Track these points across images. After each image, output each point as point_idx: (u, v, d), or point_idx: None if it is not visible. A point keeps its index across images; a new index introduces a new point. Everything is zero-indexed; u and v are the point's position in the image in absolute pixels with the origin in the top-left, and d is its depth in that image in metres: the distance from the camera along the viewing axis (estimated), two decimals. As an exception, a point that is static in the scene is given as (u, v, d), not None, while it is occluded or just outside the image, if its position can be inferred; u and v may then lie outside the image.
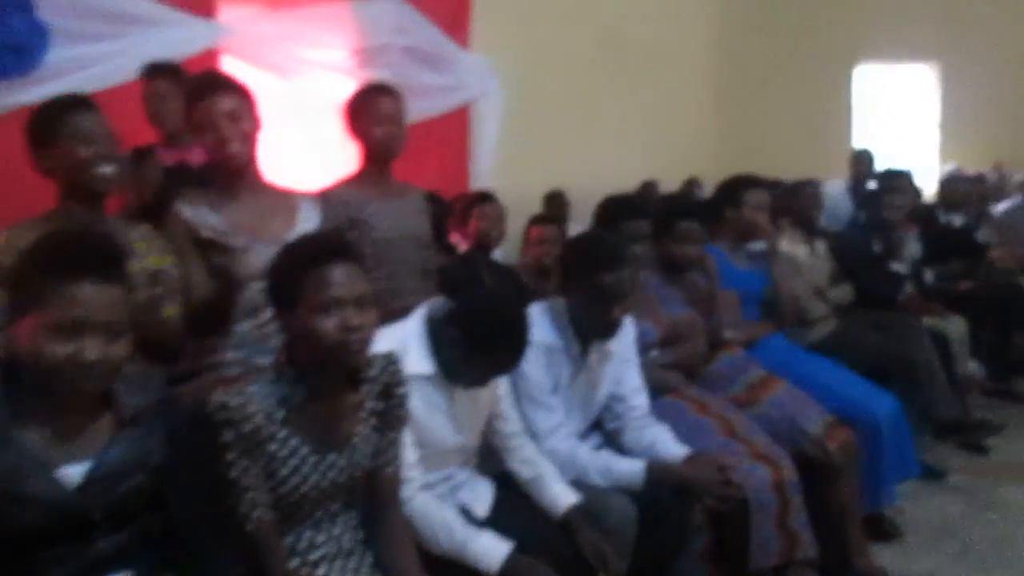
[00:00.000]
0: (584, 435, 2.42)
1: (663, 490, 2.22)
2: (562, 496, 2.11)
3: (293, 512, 1.68)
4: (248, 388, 1.63)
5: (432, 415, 1.99)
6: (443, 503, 1.99)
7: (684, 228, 2.97)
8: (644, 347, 2.65)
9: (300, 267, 1.64)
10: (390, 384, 1.78)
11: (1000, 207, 6.61)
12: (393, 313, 2.12)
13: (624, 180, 4.86)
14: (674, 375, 2.75)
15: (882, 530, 3.23)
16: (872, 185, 5.22)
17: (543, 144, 5.46)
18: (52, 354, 1.38)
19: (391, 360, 1.79)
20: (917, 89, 8.22)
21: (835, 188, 5.29)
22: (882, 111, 7.83)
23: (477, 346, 1.91)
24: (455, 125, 5.10)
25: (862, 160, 5.26)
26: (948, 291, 4.87)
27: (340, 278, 1.62)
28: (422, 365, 1.95)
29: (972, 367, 4.68)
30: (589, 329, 2.32)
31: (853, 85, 7.57)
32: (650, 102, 6.27)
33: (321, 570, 1.70)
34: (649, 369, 2.61)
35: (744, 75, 7.05)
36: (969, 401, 4.41)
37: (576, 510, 2.09)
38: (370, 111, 2.68)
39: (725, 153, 3.62)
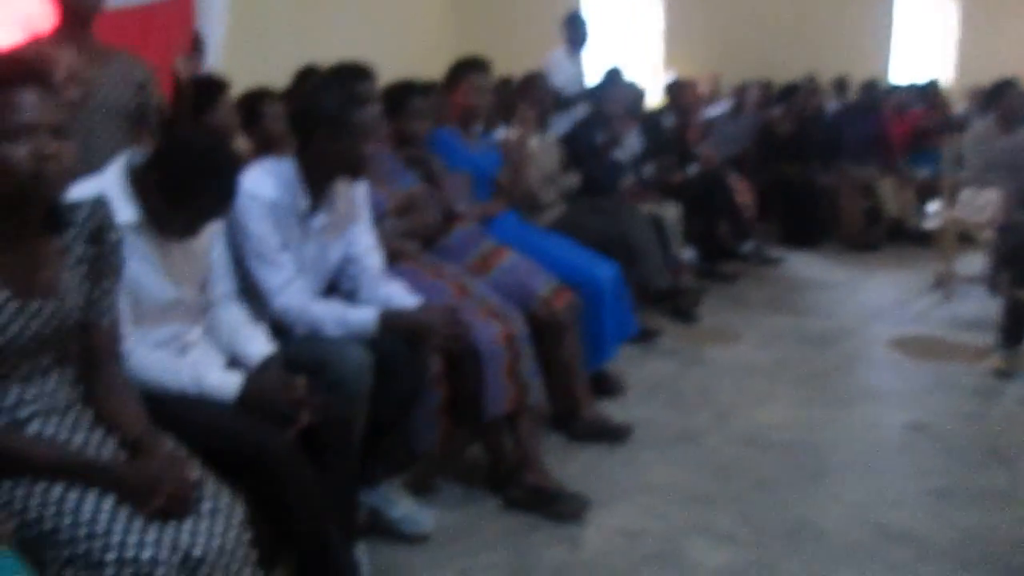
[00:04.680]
0: (321, 297, 2.42)
1: (397, 339, 2.28)
2: (259, 348, 2.08)
3: None
4: None
5: (141, 267, 1.90)
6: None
7: (415, 105, 3.03)
8: (379, 216, 2.68)
9: None
10: (100, 228, 1.66)
11: (709, 111, 7.30)
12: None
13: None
14: (409, 244, 2.81)
15: (605, 386, 3.55)
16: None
17: (275, 33, 5.25)
18: None
19: (101, 204, 1.68)
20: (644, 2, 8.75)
21: (558, 55, 5.62)
22: (608, 18, 8.26)
23: (181, 188, 1.83)
24: (180, 8, 4.75)
25: (574, 22, 5.68)
26: (663, 182, 5.33)
27: (31, 102, 1.49)
28: (125, 213, 1.85)
29: (685, 253, 5.22)
30: (329, 172, 2.30)
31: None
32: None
33: (33, 427, 1.59)
34: (384, 237, 2.65)
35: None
36: (682, 280, 4.90)
37: (271, 358, 2.06)
38: None
39: (463, 51, 3.68)
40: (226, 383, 1.91)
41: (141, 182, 1.88)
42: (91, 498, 1.50)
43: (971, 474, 2.92)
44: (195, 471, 1.61)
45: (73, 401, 1.67)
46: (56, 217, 1.62)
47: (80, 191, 1.75)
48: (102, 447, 1.61)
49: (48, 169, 1.50)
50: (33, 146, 1.48)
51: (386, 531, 2.49)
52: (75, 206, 1.65)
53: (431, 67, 3.67)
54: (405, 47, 5.76)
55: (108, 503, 1.50)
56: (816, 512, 2.66)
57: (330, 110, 2.27)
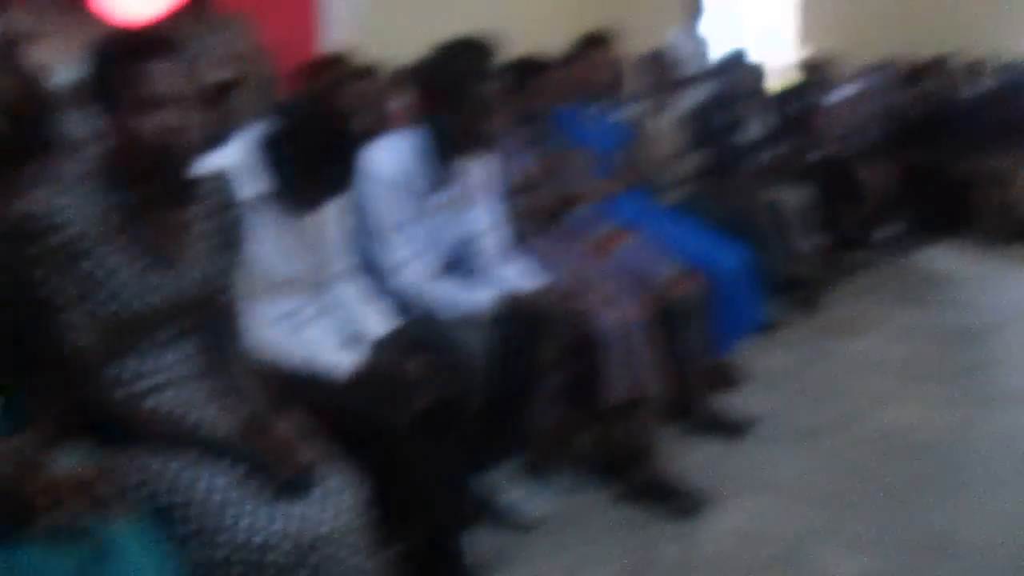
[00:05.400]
0: (441, 274, 2.37)
1: (516, 321, 2.21)
2: (378, 325, 2.06)
3: (117, 338, 1.55)
4: (58, 198, 1.47)
5: (265, 240, 1.88)
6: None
7: (540, 82, 2.95)
8: (501, 194, 2.61)
9: (118, 62, 1.48)
10: (223, 203, 1.65)
11: (839, 92, 6.93)
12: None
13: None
14: (528, 223, 2.74)
15: (726, 376, 3.40)
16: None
17: (408, 8, 5.22)
18: None
19: (222, 179, 1.66)
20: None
21: (677, 33, 5.48)
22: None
23: (311, 161, 1.81)
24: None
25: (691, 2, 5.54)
26: (788, 166, 5.08)
27: (162, 74, 1.47)
28: (255, 185, 1.83)
29: (811, 240, 4.97)
30: (456, 146, 2.24)
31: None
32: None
33: (151, 401, 1.58)
34: (506, 215, 2.58)
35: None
36: (806, 268, 4.67)
37: (389, 336, 2.03)
38: None
39: (586, 23, 3.57)
40: (340, 362, 1.88)
41: (274, 153, 1.86)
42: (205, 476, 1.48)
43: None
44: (311, 451, 1.57)
45: (192, 375, 1.66)
46: (183, 190, 1.60)
47: (210, 161, 1.73)
48: (219, 423, 1.59)
49: (177, 141, 1.48)
50: (163, 118, 1.46)
51: (496, 516, 2.43)
52: (199, 180, 1.64)
53: (553, 40, 3.56)
54: (526, 21, 5.66)
55: (222, 482, 1.48)
56: (957, 524, 2.46)
57: (452, 82, 2.22)
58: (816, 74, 5.85)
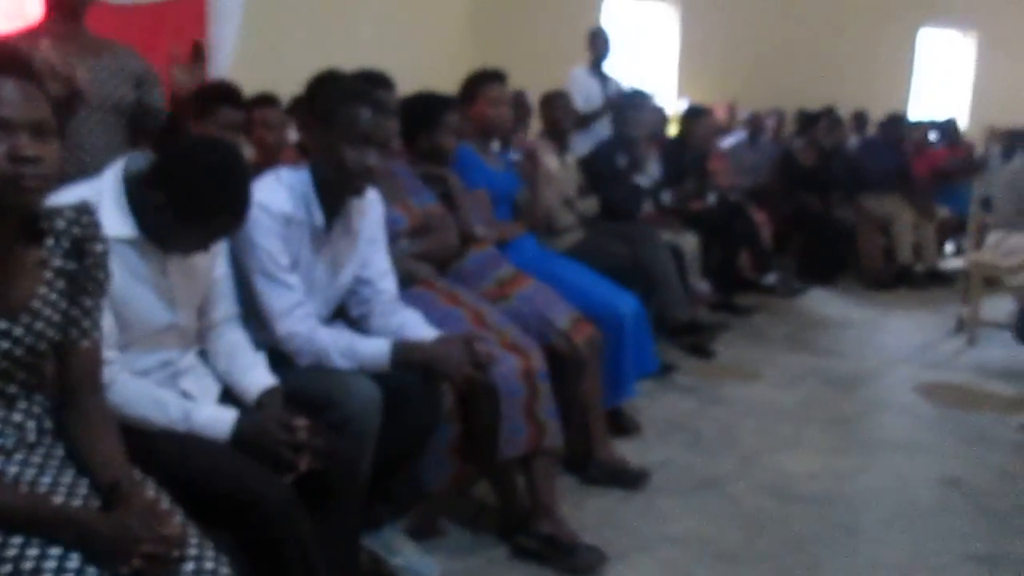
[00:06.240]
0: (328, 322, 2.22)
1: (410, 373, 2.08)
2: (258, 380, 1.89)
3: None
4: None
5: (135, 287, 1.70)
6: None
7: (447, 119, 2.86)
8: (393, 236, 2.48)
9: None
10: (83, 239, 1.47)
11: (726, 141, 7.12)
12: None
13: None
14: (424, 266, 2.61)
15: (621, 424, 3.34)
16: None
17: (289, 39, 5.08)
18: None
19: (85, 211, 1.48)
20: (660, 25, 8.57)
21: (579, 72, 5.50)
22: (626, 43, 8.10)
23: (193, 204, 1.64)
24: (191, 9, 4.58)
25: (597, 38, 5.56)
26: (682, 209, 5.14)
27: (12, 96, 1.30)
28: (121, 227, 1.66)
29: (701, 285, 5.02)
30: (338, 185, 2.08)
31: (601, 15, 7.72)
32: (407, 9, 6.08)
33: None
34: (399, 259, 2.45)
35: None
36: (698, 312, 4.71)
37: (270, 393, 1.87)
38: None
39: (481, 64, 3.51)
40: (219, 420, 1.71)
41: (142, 193, 1.68)
42: (54, 554, 1.29)
43: (1013, 539, 2.71)
44: (177, 524, 1.40)
45: (42, 436, 1.47)
46: (34, 225, 1.42)
47: (70, 197, 1.56)
48: (73, 491, 1.40)
49: (28, 172, 1.30)
50: (10, 145, 1.29)
51: (386, 579, 2.28)
52: (56, 212, 1.46)
53: (447, 81, 3.48)
54: (421, 58, 5.58)
55: (74, 562, 1.29)
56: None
57: (326, 107, 2.08)
58: (699, 122, 5.96)
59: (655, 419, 3.53)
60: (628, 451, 3.14)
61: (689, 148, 5.44)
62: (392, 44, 5.52)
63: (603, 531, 2.61)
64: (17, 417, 1.44)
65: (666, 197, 5.14)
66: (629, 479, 2.93)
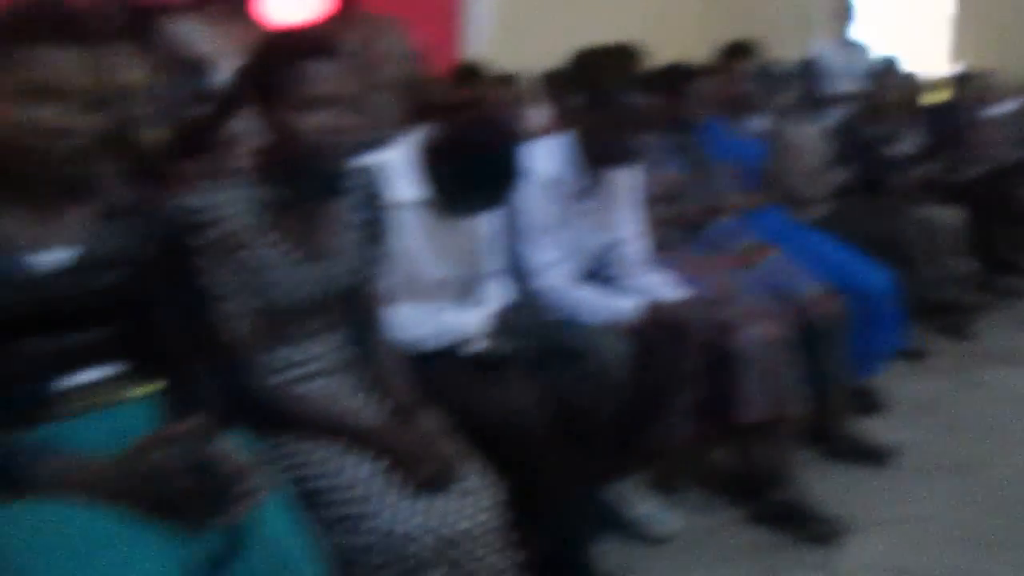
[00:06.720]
0: (582, 280, 2.36)
1: (657, 332, 2.18)
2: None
3: (271, 327, 1.60)
4: (218, 192, 1.54)
5: (418, 244, 1.91)
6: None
7: (696, 89, 2.91)
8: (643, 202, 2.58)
9: (283, 61, 1.53)
10: (370, 196, 1.69)
11: (996, 108, 6.53)
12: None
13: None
14: (671, 232, 2.69)
15: (867, 402, 3.25)
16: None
17: (540, 18, 5.26)
18: (15, 119, 1.23)
19: (368, 172, 1.70)
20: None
21: (825, 42, 5.27)
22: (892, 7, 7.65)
23: (477, 170, 1.83)
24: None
25: (841, 5, 5.29)
26: (943, 183, 4.82)
27: (325, 74, 1.51)
28: (412, 190, 1.87)
29: (964, 262, 4.69)
30: (602, 155, 2.23)
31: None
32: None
33: (301, 389, 1.63)
34: (649, 224, 2.54)
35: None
36: (957, 293, 4.41)
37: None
38: None
39: (717, 30, 3.49)
40: (472, 317, 1.94)
41: (433, 161, 1.89)
42: (351, 463, 1.51)
43: None
44: (452, 448, 1.58)
45: (339, 366, 1.70)
46: (333, 184, 1.65)
47: (369, 160, 1.78)
48: (364, 414, 1.63)
49: (333, 141, 1.52)
50: (322, 118, 1.50)
51: (624, 529, 2.39)
52: (347, 173, 1.68)
53: (690, 50, 3.49)
54: (666, 32, 5.60)
55: (365, 472, 1.51)
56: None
57: (597, 90, 2.21)
58: (972, 88, 5.54)
59: (904, 400, 3.38)
60: (873, 429, 3.05)
61: (957, 115, 5.08)
62: (636, 18, 5.58)
63: (842, 504, 2.56)
64: (318, 349, 1.68)
65: (925, 170, 4.84)
66: (872, 456, 2.87)
